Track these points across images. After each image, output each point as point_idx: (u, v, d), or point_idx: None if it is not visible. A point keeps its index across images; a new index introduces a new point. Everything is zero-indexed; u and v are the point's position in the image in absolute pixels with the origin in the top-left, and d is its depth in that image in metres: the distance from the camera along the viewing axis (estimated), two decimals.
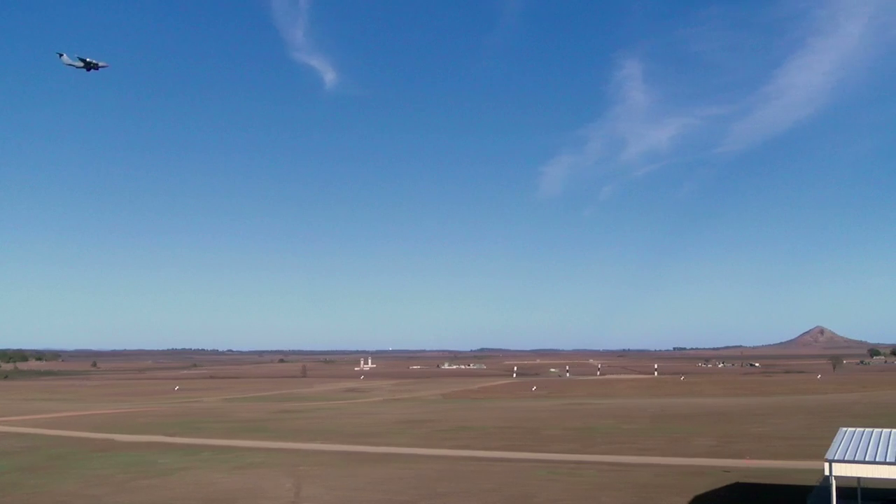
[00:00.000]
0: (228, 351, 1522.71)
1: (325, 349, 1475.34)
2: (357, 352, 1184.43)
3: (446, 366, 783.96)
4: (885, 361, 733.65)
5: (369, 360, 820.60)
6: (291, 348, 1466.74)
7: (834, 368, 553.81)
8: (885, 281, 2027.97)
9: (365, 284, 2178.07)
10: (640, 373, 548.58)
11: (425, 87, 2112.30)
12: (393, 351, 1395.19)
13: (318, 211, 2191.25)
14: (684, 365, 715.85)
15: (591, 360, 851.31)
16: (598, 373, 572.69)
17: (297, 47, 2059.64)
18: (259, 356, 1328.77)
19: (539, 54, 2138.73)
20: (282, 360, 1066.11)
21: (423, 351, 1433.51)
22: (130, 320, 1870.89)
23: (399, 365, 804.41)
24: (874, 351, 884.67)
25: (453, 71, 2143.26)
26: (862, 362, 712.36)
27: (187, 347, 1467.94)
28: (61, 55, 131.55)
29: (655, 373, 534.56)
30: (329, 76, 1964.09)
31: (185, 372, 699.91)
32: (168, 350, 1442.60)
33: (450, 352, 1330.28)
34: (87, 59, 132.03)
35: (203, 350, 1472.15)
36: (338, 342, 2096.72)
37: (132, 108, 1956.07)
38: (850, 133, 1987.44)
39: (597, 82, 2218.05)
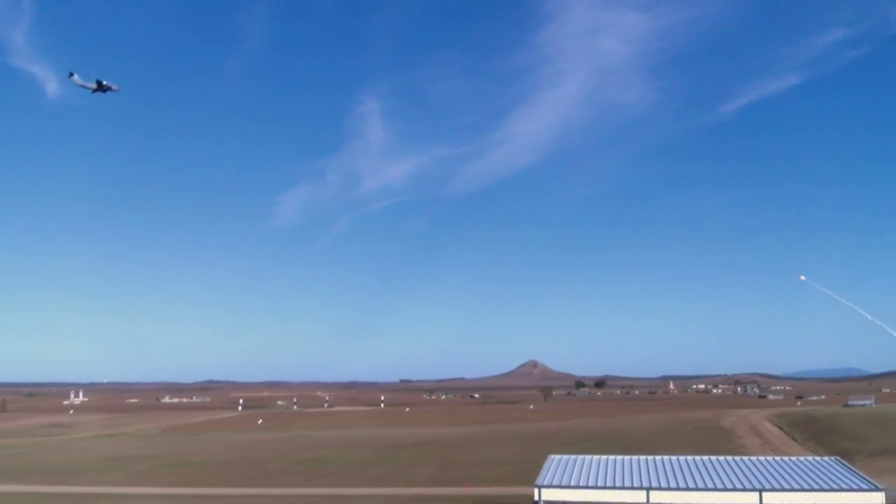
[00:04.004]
0: None
1: (28, 380, 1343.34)
2: (66, 384, 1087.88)
3: (167, 399, 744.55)
4: (589, 393, 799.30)
5: (80, 393, 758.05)
6: None
7: (544, 399, 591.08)
8: (590, 319, 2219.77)
9: (76, 308, 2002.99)
10: (367, 404, 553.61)
11: (156, 105, 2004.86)
12: (108, 383, 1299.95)
13: (27, 225, 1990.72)
14: (410, 396, 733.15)
15: (318, 392, 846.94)
16: (326, 405, 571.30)
17: (16, 52, 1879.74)
18: None
19: (280, 82, 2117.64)
20: None
21: (142, 383, 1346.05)
22: None
23: (114, 398, 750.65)
24: (580, 383, 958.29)
25: (189, 91, 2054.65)
26: (569, 394, 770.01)
27: None
28: (72, 74, 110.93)
29: (382, 404, 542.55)
30: (51, 85, 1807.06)
31: None
32: None
33: (171, 384, 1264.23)
34: (103, 82, 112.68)
35: None
36: (43, 373, 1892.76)
37: None
38: (566, 180, 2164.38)
39: (337, 116, 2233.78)
